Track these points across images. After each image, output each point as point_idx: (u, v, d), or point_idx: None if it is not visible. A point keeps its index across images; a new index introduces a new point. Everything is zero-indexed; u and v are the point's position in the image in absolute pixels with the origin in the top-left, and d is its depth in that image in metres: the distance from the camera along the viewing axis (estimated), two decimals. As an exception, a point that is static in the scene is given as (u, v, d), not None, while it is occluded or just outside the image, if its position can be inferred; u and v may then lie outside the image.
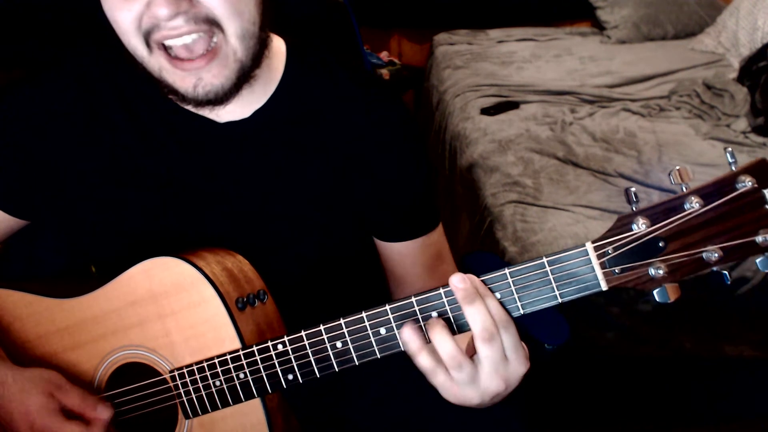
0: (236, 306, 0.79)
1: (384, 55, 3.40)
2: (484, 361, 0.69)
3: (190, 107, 0.84)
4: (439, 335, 0.69)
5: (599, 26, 3.34)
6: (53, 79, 0.88)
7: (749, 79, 2.44)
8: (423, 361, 0.70)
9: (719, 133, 2.26)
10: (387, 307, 0.71)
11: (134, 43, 0.75)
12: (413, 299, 0.71)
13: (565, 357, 1.69)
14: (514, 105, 2.53)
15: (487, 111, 2.49)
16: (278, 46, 0.89)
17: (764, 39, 2.66)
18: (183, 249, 0.82)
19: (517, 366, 0.71)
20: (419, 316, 0.71)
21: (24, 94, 0.88)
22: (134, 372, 0.83)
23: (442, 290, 0.70)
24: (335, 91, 0.89)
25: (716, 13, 3.13)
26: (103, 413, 0.81)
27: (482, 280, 0.70)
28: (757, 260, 0.63)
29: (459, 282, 0.68)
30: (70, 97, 0.87)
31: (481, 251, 1.91)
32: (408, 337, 0.70)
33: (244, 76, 0.78)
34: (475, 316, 0.68)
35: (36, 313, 0.87)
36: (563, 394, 1.81)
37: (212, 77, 0.74)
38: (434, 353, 0.70)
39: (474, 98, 2.62)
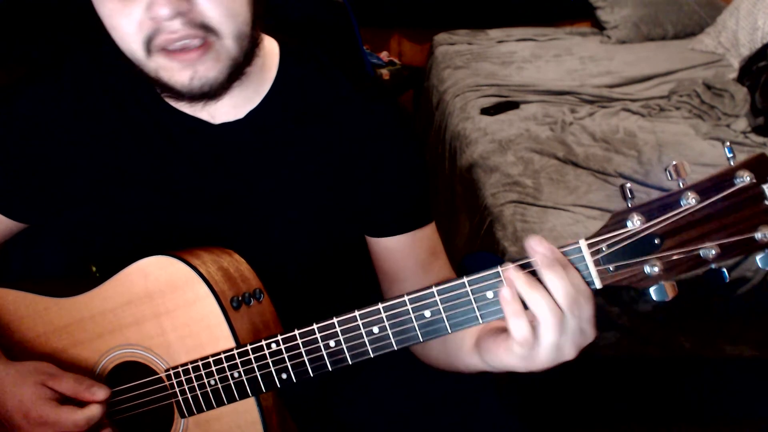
0: (231, 305, 0.78)
1: (384, 55, 3.40)
2: (568, 329, 0.66)
3: (184, 107, 0.84)
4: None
5: (599, 26, 3.33)
6: (51, 81, 0.88)
7: (749, 79, 2.43)
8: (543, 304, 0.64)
9: (719, 133, 2.25)
10: (380, 305, 0.71)
11: (133, 48, 0.75)
12: (405, 298, 0.70)
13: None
14: (514, 105, 2.53)
15: (487, 111, 2.48)
16: (271, 47, 0.89)
17: (764, 39, 2.65)
18: (181, 248, 0.82)
19: (590, 336, 0.67)
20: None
21: (22, 96, 0.88)
22: (131, 371, 0.83)
23: (434, 288, 0.69)
24: (330, 90, 0.89)
25: (716, 13, 3.12)
26: (98, 394, 0.80)
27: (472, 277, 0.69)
28: (757, 257, 0.61)
29: (538, 244, 0.65)
30: (68, 98, 0.87)
31: (483, 252, 1.91)
32: (514, 275, 0.65)
33: (236, 72, 0.78)
34: (557, 281, 0.64)
35: (35, 313, 0.87)
36: (563, 394, 1.80)
37: (206, 70, 0.75)
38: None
39: (474, 98, 2.61)
